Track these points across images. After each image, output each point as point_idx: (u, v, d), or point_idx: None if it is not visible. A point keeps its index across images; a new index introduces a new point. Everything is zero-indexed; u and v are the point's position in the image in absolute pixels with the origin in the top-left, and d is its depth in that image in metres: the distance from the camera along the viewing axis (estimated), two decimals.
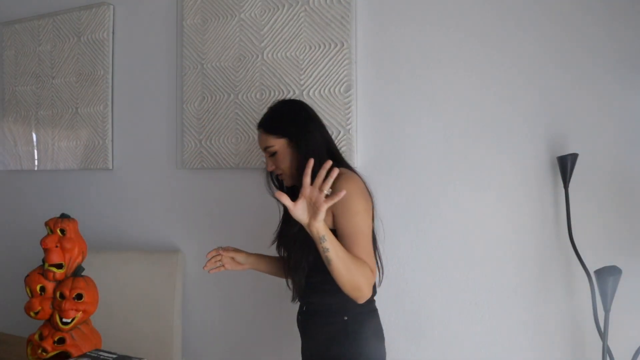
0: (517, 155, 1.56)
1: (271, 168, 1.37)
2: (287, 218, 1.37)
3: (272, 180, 1.46)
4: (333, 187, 1.15)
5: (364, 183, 1.31)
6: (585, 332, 1.47)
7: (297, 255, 1.31)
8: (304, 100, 1.80)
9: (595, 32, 1.48)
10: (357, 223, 1.22)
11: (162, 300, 1.96)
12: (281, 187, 1.44)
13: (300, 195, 1.08)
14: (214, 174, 2.02)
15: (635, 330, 1.42)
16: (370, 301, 1.34)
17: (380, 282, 1.39)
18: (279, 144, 1.34)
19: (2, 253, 2.53)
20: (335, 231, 1.23)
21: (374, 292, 1.34)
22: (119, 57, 2.24)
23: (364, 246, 1.21)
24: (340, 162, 1.35)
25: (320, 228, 1.08)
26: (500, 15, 1.58)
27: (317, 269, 1.28)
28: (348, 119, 1.73)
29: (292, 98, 1.47)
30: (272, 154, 1.35)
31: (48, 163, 2.37)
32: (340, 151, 1.73)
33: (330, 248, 1.10)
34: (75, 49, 2.29)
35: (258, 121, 1.40)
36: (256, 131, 1.42)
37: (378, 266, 1.36)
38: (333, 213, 1.23)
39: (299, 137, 1.33)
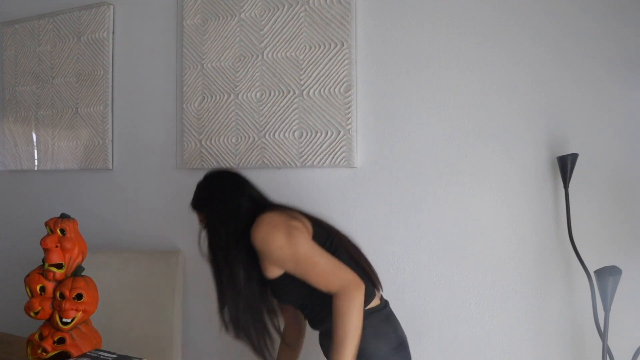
0: (517, 155, 1.56)
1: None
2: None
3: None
4: (250, 238, 1.25)
5: (281, 210, 1.33)
6: (585, 332, 1.47)
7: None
8: (303, 100, 1.81)
9: (595, 32, 1.48)
10: (292, 254, 1.22)
11: (162, 300, 1.96)
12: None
13: None
14: None
15: (635, 330, 1.42)
16: (368, 307, 1.33)
17: (377, 284, 1.39)
18: (204, 220, 1.40)
19: (2, 253, 2.53)
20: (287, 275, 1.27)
21: (370, 295, 1.32)
22: (119, 57, 2.24)
23: (315, 265, 1.23)
24: (260, 207, 1.35)
25: None
26: (500, 15, 1.58)
27: (308, 303, 1.33)
28: (348, 119, 1.73)
29: (217, 170, 1.51)
30: (205, 225, 1.39)
31: (48, 163, 2.37)
32: (340, 151, 1.74)
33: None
34: (75, 49, 2.29)
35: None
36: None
37: (367, 270, 1.37)
38: (270, 263, 1.26)
39: (213, 214, 1.37)
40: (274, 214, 1.29)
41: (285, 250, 1.22)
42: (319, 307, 1.32)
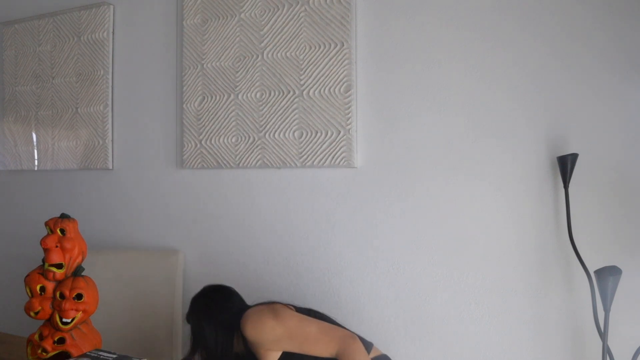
0: (517, 155, 1.56)
1: None
2: None
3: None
4: (243, 333, 1.29)
5: (263, 304, 1.39)
6: (585, 332, 1.47)
7: None
8: (303, 100, 1.81)
9: (595, 32, 1.48)
10: (284, 335, 1.27)
11: (162, 300, 1.96)
12: None
13: None
14: (214, 174, 2.02)
15: (635, 330, 1.42)
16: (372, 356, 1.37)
17: (365, 340, 1.41)
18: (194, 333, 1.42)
19: (2, 253, 2.53)
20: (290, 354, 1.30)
21: (367, 347, 1.36)
22: (119, 57, 2.24)
23: (308, 335, 1.27)
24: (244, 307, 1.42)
25: None
26: (500, 15, 1.58)
27: None
28: (348, 119, 1.73)
29: (210, 286, 1.57)
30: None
31: (48, 163, 2.37)
32: (340, 151, 1.74)
33: None
34: (75, 49, 2.29)
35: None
36: None
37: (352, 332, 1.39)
38: (265, 351, 1.30)
39: (197, 327, 1.41)
40: (257, 307, 1.36)
41: (277, 329, 1.27)
42: None
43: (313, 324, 1.30)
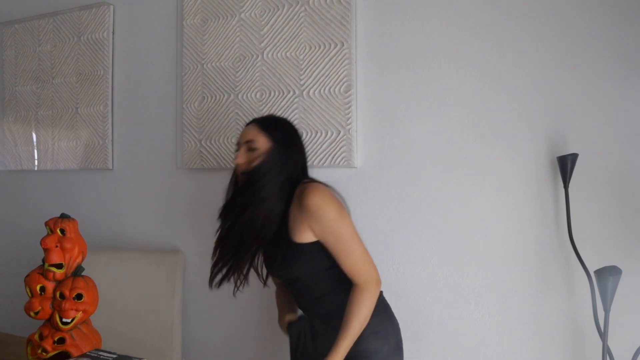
0: (517, 155, 1.56)
1: (243, 161, 1.35)
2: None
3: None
4: (299, 203, 1.24)
5: (333, 191, 1.32)
6: (585, 332, 1.47)
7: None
8: (303, 100, 1.81)
9: (595, 32, 1.48)
10: (338, 230, 1.25)
11: (162, 300, 1.96)
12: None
13: None
14: (214, 174, 2.02)
15: (635, 330, 1.42)
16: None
17: None
18: (264, 144, 1.34)
19: (2, 253, 2.53)
20: (315, 243, 1.27)
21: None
22: (119, 57, 2.24)
23: (353, 251, 1.26)
24: (308, 178, 1.39)
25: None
26: (500, 15, 1.58)
27: (315, 282, 1.34)
28: (348, 119, 1.73)
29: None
30: (252, 150, 1.34)
31: (48, 163, 2.37)
32: (340, 151, 1.74)
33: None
34: (75, 49, 2.29)
35: (254, 118, 1.42)
36: (245, 125, 1.42)
37: None
38: (311, 227, 1.26)
39: (283, 147, 1.35)
40: (330, 189, 1.31)
41: (334, 224, 1.25)
42: (323, 290, 1.34)
43: (361, 247, 1.27)
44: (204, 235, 2.04)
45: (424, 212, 1.67)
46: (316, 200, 1.24)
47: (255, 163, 1.32)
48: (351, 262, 1.26)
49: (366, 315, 1.26)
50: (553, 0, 1.52)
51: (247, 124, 1.42)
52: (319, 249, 1.29)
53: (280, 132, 1.37)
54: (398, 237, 1.70)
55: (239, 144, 1.39)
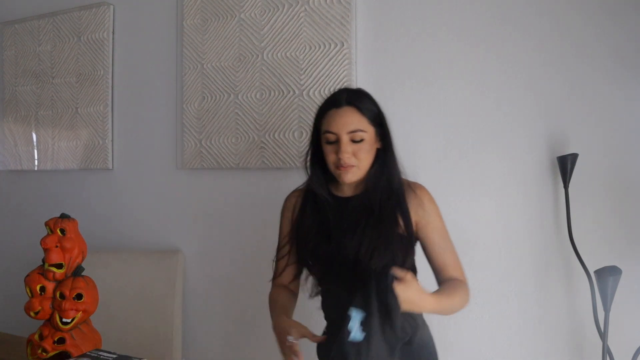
0: (517, 155, 1.56)
1: (348, 156, 1.13)
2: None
3: (315, 175, 1.25)
4: (410, 199, 1.17)
5: None
6: (585, 332, 1.47)
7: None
8: (303, 100, 1.81)
9: (594, 34, 1.48)
10: (443, 229, 1.20)
11: (162, 300, 1.96)
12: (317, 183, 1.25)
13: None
14: (214, 174, 2.02)
15: (635, 330, 1.42)
16: None
17: None
18: (370, 131, 1.14)
19: (2, 253, 2.53)
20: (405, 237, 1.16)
21: None
22: (119, 57, 2.23)
23: (452, 249, 1.21)
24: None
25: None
26: (501, 15, 1.58)
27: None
28: None
29: None
30: (359, 141, 1.13)
31: (48, 163, 2.37)
32: None
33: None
34: (75, 49, 2.29)
35: (338, 98, 1.16)
36: (334, 109, 1.15)
37: None
38: (415, 222, 1.18)
39: (386, 132, 1.19)
40: None
41: (442, 224, 1.21)
42: None
43: (453, 246, 1.22)
44: (204, 235, 2.05)
45: None
46: (431, 199, 1.20)
47: (366, 158, 1.15)
48: (455, 260, 1.21)
49: (460, 305, 1.17)
50: (552, 3, 1.53)
51: (335, 105, 1.15)
52: (413, 244, 1.21)
53: (380, 112, 1.18)
54: None
55: (328, 134, 1.14)
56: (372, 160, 1.18)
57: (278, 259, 1.32)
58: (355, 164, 1.14)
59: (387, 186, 1.18)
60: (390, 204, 1.16)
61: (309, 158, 1.26)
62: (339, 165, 1.14)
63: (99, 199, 2.28)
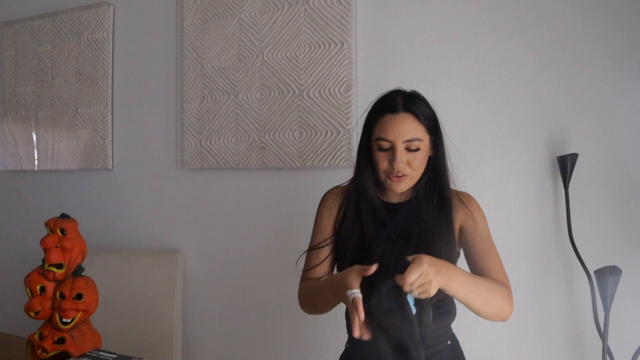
0: (518, 155, 1.56)
1: (403, 166, 1.08)
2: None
3: (360, 183, 1.18)
4: (457, 209, 1.14)
5: None
6: (585, 332, 1.47)
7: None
8: (303, 100, 1.81)
9: (594, 35, 1.48)
10: (490, 237, 1.16)
11: (162, 300, 1.96)
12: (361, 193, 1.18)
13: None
14: (214, 174, 2.02)
15: (635, 330, 1.42)
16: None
17: None
18: (425, 140, 1.10)
19: (2, 253, 2.53)
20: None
21: None
22: (119, 57, 2.23)
23: (497, 256, 1.14)
24: None
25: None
26: (501, 16, 1.58)
27: (450, 302, 1.22)
28: (348, 119, 1.73)
29: None
30: (414, 150, 1.08)
31: (48, 163, 2.37)
32: (340, 151, 1.74)
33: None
34: (75, 49, 2.29)
35: (395, 103, 1.10)
36: (390, 114, 1.09)
37: None
38: (462, 226, 1.15)
39: (440, 140, 1.14)
40: None
41: (488, 231, 1.17)
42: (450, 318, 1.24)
43: (498, 254, 1.16)
44: (204, 235, 2.05)
45: None
46: (478, 205, 1.17)
47: (420, 168, 1.11)
48: (499, 265, 1.14)
49: (499, 300, 1.07)
50: (550, 6, 1.53)
51: (391, 110, 1.09)
52: (455, 257, 1.17)
53: (435, 120, 1.13)
54: None
55: (382, 141, 1.09)
56: (424, 169, 1.13)
57: (312, 251, 1.24)
58: (408, 173, 1.09)
59: (439, 197, 1.14)
60: (441, 216, 1.13)
61: (357, 159, 1.20)
62: (390, 173, 1.09)
63: (99, 199, 2.28)
